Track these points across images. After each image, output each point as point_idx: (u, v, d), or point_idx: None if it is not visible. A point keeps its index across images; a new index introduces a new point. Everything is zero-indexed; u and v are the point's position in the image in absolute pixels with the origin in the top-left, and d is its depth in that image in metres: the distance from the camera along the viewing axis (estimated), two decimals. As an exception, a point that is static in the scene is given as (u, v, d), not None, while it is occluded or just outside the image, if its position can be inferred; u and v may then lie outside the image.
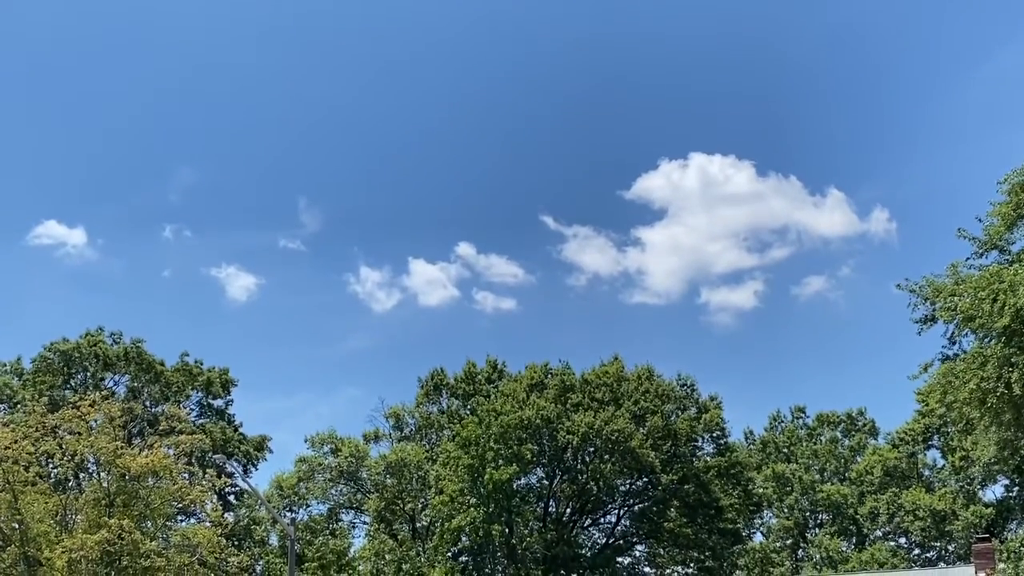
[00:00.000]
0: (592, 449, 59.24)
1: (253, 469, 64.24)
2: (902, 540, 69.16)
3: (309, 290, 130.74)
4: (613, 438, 57.34)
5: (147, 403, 58.54)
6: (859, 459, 74.22)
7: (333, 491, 64.46)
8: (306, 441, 65.17)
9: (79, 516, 36.59)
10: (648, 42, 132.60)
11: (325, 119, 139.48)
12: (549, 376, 62.38)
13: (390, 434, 68.22)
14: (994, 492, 63.63)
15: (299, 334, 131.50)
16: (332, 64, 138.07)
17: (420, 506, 62.65)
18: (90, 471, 39.25)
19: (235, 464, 60.88)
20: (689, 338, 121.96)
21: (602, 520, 64.26)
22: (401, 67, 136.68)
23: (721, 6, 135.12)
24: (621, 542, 63.73)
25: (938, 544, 66.65)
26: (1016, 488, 61.07)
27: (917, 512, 65.28)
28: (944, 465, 68.29)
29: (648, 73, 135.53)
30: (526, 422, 57.16)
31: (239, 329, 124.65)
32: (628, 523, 63.42)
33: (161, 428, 40.91)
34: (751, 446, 79.52)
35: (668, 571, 64.28)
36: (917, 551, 68.61)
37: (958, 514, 63.02)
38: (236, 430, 63.46)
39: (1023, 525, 61.37)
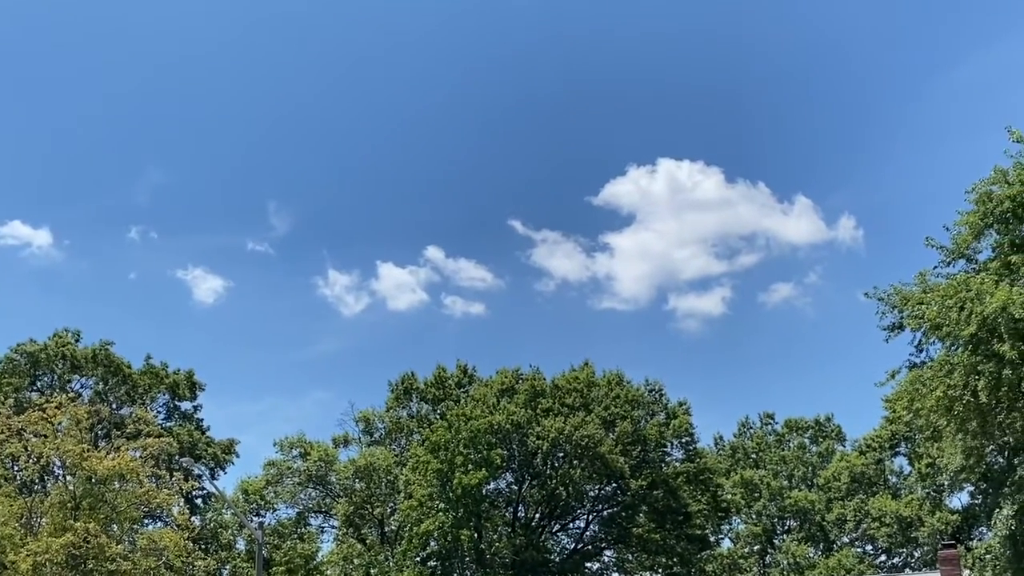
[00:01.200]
0: (562, 454, 59.32)
1: (221, 473, 63.84)
2: (869, 547, 69.73)
3: (277, 293, 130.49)
4: (583, 443, 57.45)
5: (114, 406, 58.03)
6: (827, 465, 74.71)
7: (302, 495, 64.27)
8: (275, 445, 65.02)
9: (44, 519, 36.33)
10: (616, 48, 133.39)
11: (295, 122, 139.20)
12: (520, 381, 62.43)
13: (359, 438, 68.08)
14: (960, 499, 64.23)
15: (267, 337, 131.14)
16: (303, 67, 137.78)
17: (389, 510, 62.51)
18: (56, 474, 38.98)
19: (202, 467, 60.45)
20: (657, 344, 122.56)
21: (571, 525, 64.38)
22: (371, 71, 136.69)
23: (690, 13, 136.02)
24: (590, 547, 63.85)
25: (904, 550, 67.20)
26: (981, 496, 61.61)
27: (884, 519, 65.79)
28: (911, 472, 68.79)
29: (616, 78, 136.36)
30: (496, 427, 57.16)
31: (206, 332, 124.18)
32: (597, 528, 63.54)
33: (128, 431, 40.66)
34: (720, 452, 79.90)
35: (636, 576, 64.44)
36: (883, 557, 69.19)
37: (924, 521, 63.53)
38: (204, 433, 63.00)
39: (988, 532, 61.94)
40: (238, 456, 64.77)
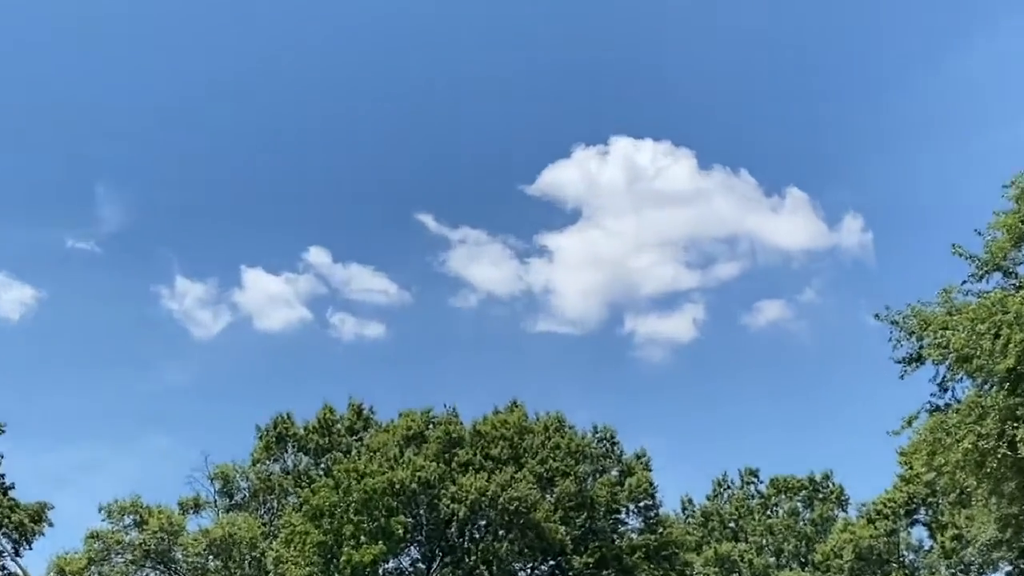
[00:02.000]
0: (484, 522, 59.45)
1: (27, 548, 62.88)
2: (879, 642, 70.67)
3: (106, 306, 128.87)
4: (512, 508, 57.61)
5: None
6: (825, 537, 75.63)
7: (137, 576, 63.58)
8: (100, 510, 64.20)
9: None
10: (558, 6, 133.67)
11: (133, 88, 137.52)
12: (431, 426, 62.53)
13: (215, 501, 67.55)
14: (995, 581, 65.44)
15: (92, 364, 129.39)
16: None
17: (254, 597, 62.16)
18: None
19: (3, 540, 59.55)
20: (610, 378, 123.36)
21: (496, 616, 64.49)
22: (248, 30, 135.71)
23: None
24: (520, 643, 64.05)
25: (924, 646, 68.26)
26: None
27: (898, 606, 66.82)
28: (932, 546, 69.89)
29: (558, 42, 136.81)
30: (398, 486, 57.12)
31: (9, 356, 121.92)
32: (530, 619, 63.79)
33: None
34: (689, 519, 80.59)
35: None
36: (898, 655, 70.20)
37: (949, 609, 64.66)
38: (5, 494, 62.08)
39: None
40: (51, 525, 63.84)
